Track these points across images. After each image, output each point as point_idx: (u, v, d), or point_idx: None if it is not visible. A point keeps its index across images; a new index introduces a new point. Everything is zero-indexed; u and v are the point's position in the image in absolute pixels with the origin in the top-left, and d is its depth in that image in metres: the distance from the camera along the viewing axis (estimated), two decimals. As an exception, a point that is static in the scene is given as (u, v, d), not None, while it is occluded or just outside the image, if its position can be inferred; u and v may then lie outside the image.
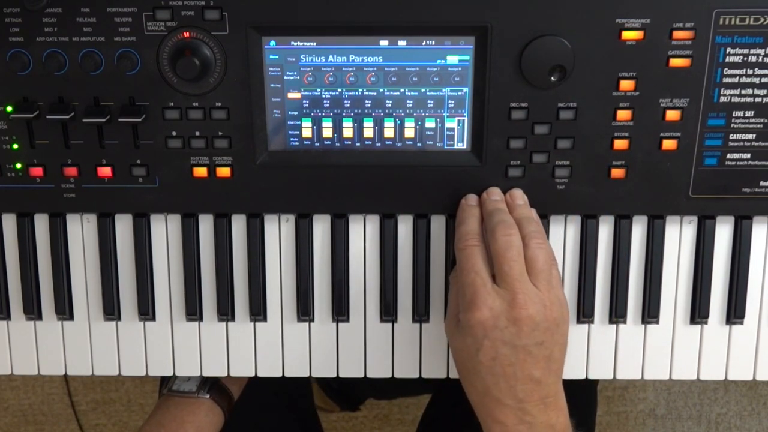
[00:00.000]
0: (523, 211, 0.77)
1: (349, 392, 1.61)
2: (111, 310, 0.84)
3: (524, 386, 0.71)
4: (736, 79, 0.75)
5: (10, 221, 0.83)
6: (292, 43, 0.76)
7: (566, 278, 0.83)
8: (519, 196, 0.78)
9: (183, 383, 0.89)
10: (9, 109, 0.77)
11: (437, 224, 0.82)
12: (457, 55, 0.76)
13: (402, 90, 0.78)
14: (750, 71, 0.75)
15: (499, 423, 0.72)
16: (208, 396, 0.89)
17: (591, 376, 0.85)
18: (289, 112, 0.78)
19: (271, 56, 0.77)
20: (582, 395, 1.07)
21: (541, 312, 0.71)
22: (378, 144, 0.79)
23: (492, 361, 0.71)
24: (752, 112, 0.77)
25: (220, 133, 0.78)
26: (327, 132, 0.79)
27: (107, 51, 0.75)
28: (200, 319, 0.84)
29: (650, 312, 0.83)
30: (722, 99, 0.76)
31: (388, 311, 0.83)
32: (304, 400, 1.16)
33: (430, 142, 0.79)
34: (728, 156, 0.78)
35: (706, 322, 0.84)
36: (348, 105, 0.78)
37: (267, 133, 0.79)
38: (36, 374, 0.86)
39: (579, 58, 0.74)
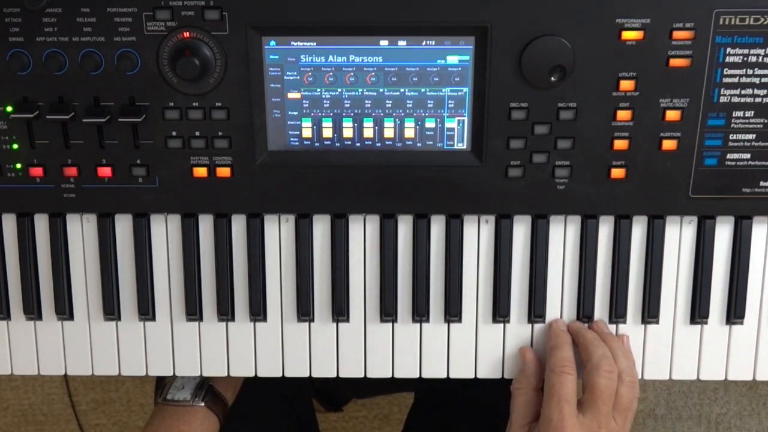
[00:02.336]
0: (615, 343, 0.80)
1: (330, 393, 1.59)
2: (111, 310, 0.84)
3: None
4: (736, 79, 0.75)
5: (10, 221, 0.83)
6: (292, 43, 0.76)
7: (566, 279, 0.83)
8: (604, 325, 0.83)
9: (177, 392, 0.89)
10: (9, 109, 0.77)
11: (437, 224, 0.82)
12: (457, 55, 0.76)
13: (402, 90, 0.78)
14: (750, 71, 0.75)
15: None
16: (202, 404, 0.88)
17: (591, 377, 0.85)
18: (289, 112, 0.78)
19: (271, 56, 0.76)
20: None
21: None
22: (378, 144, 0.79)
23: None
24: (752, 112, 0.76)
25: (220, 133, 0.78)
26: (327, 132, 0.79)
27: (107, 51, 0.75)
28: (200, 319, 0.84)
29: (650, 312, 0.83)
30: (722, 99, 0.76)
31: (388, 311, 0.83)
32: (301, 402, 1.15)
33: (430, 142, 0.79)
34: (728, 156, 0.78)
35: (706, 322, 0.84)
36: (348, 105, 0.78)
37: (267, 133, 0.79)
38: (36, 374, 0.86)
39: (579, 58, 0.74)
